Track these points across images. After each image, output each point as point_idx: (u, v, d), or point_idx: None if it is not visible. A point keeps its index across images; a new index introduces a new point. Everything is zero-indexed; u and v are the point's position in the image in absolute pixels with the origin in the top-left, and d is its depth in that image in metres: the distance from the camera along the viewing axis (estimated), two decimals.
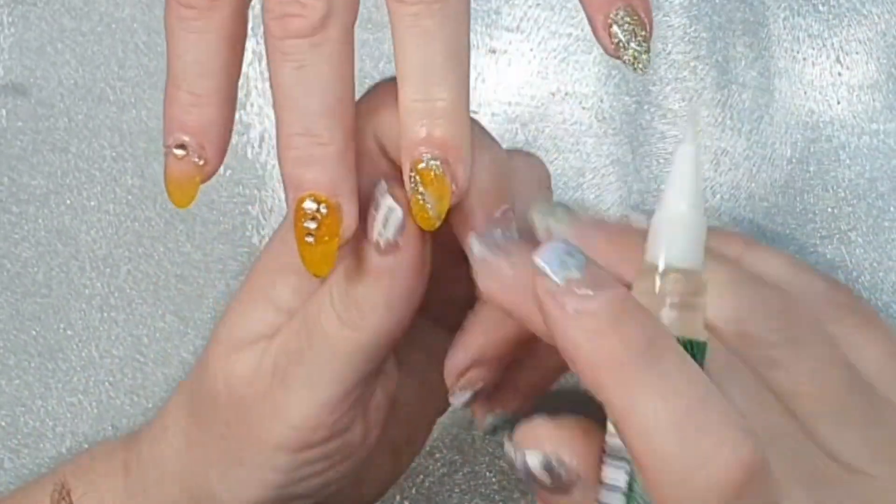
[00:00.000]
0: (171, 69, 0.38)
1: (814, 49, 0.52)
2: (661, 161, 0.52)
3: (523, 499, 0.51)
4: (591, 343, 0.32)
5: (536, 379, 0.42)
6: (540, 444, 0.35)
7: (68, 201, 0.54)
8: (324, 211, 0.36)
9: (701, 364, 0.33)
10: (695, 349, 0.33)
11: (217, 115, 0.38)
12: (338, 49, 0.36)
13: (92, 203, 0.54)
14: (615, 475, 0.33)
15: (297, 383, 0.40)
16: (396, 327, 0.39)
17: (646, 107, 0.53)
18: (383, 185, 0.37)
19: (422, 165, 0.36)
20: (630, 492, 0.33)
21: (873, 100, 0.52)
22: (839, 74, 0.52)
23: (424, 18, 0.36)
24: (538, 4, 0.53)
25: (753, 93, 0.52)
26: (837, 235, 0.52)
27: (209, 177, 0.38)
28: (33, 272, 0.54)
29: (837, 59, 0.52)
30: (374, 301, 0.38)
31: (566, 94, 0.53)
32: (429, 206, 0.36)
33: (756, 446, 0.32)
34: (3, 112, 0.54)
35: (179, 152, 0.38)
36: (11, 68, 0.54)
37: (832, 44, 0.52)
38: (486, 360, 0.40)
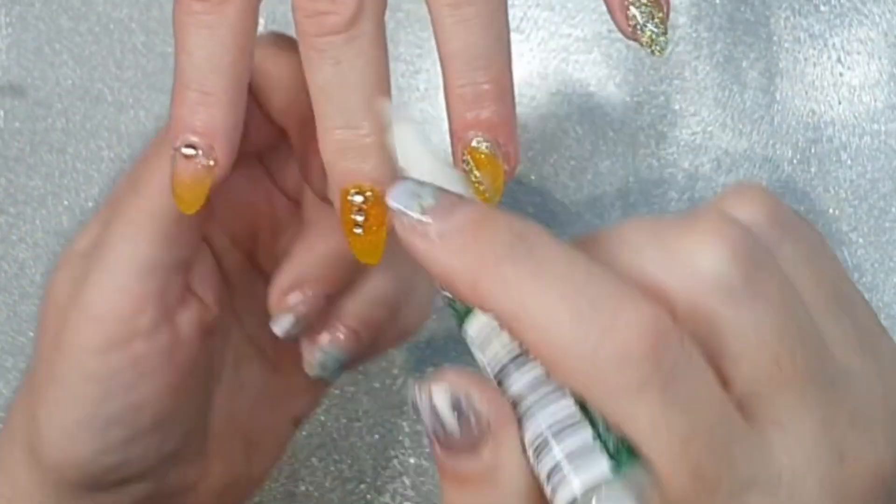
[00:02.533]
0: (179, 67, 0.38)
1: (815, 49, 0.52)
2: (662, 161, 0.52)
3: None
4: (461, 259, 0.32)
5: (366, 313, 0.42)
6: (451, 380, 0.32)
7: (66, 202, 0.53)
8: (370, 200, 0.36)
9: None
10: None
11: (227, 115, 0.38)
12: (372, 41, 0.36)
13: (90, 204, 0.53)
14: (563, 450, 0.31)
15: (95, 268, 0.40)
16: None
17: (646, 107, 0.53)
18: None
19: (473, 145, 0.36)
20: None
21: (874, 100, 0.52)
22: (840, 75, 0.52)
23: (464, 7, 0.36)
24: (538, 4, 0.53)
25: (754, 93, 0.52)
26: (838, 236, 0.51)
27: (219, 179, 0.38)
28: (31, 273, 0.54)
29: (839, 60, 0.52)
30: (157, 163, 0.38)
31: (566, 94, 0.53)
32: (483, 187, 0.36)
33: (660, 308, 0.30)
34: (1, 113, 0.54)
35: (188, 152, 0.38)
36: (9, 69, 0.54)
37: (833, 44, 0.52)
38: (309, 280, 0.40)
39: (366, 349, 0.42)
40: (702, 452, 0.30)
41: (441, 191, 0.33)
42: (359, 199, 0.36)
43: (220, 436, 0.44)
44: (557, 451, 0.31)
